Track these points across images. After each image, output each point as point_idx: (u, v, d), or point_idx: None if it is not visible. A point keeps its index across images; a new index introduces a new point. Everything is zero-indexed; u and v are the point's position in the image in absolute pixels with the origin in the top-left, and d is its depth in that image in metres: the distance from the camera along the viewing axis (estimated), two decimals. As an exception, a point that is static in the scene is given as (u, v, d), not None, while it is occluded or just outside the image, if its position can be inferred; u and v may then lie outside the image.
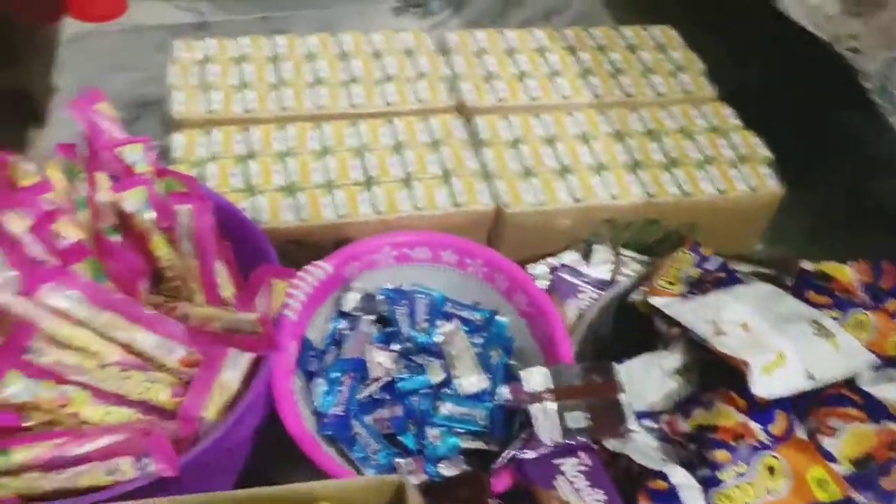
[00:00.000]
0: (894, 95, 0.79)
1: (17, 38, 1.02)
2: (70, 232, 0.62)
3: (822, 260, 0.81)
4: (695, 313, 0.74)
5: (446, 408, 0.75)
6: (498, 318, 0.83)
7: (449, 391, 0.77)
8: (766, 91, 1.08)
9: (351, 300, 0.82)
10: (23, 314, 0.56)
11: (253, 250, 0.72)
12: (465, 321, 0.82)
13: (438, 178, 0.88)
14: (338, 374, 0.76)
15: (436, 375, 0.78)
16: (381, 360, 0.78)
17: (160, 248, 0.66)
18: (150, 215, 0.66)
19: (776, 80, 1.08)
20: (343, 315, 0.82)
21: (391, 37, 1.05)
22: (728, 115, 1.01)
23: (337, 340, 0.81)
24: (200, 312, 0.63)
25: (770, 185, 0.92)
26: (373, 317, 0.81)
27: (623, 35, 1.11)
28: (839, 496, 0.63)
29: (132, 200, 0.66)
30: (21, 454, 0.55)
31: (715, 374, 0.72)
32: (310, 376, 0.76)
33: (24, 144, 1.03)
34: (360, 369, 0.77)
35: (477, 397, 0.77)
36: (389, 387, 0.77)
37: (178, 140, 0.88)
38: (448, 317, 0.83)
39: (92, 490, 0.54)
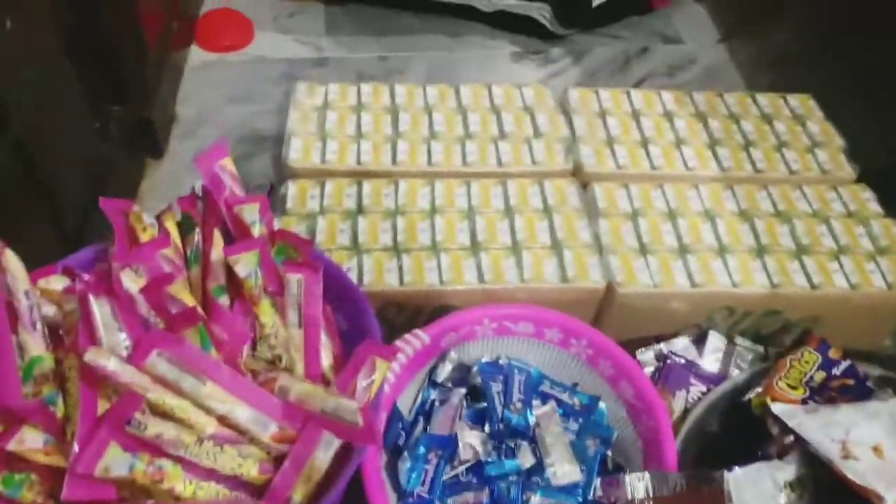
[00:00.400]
0: None
1: (148, 68, 1.05)
2: (184, 296, 0.63)
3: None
4: (821, 429, 0.68)
5: (536, 499, 0.72)
6: (600, 405, 0.79)
7: (540, 480, 0.74)
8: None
9: (445, 371, 0.80)
10: (129, 382, 0.56)
11: (355, 315, 0.71)
12: (561, 403, 0.79)
13: (548, 249, 0.85)
14: (424, 451, 0.74)
15: (526, 460, 0.75)
16: (472, 442, 0.75)
17: (266, 314, 0.66)
18: (260, 281, 0.66)
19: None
20: (434, 385, 0.80)
21: (511, 92, 1.03)
22: (868, 200, 0.93)
23: (427, 412, 0.79)
24: (300, 388, 0.62)
25: (909, 281, 0.84)
26: (465, 389, 0.79)
27: (757, 103, 1.04)
28: None
29: (244, 264, 0.65)
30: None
31: (833, 493, 0.66)
32: (397, 451, 0.75)
33: (142, 172, 1.06)
34: (447, 446, 0.75)
35: (568, 490, 0.73)
36: (477, 469, 0.75)
37: (292, 190, 0.88)
38: (545, 397, 0.79)
39: (180, 566, 0.54)
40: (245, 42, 1.31)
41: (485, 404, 0.78)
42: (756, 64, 1.30)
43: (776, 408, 0.72)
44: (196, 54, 1.28)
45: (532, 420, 0.77)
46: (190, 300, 0.63)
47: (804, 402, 0.73)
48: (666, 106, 1.02)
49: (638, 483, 0.66)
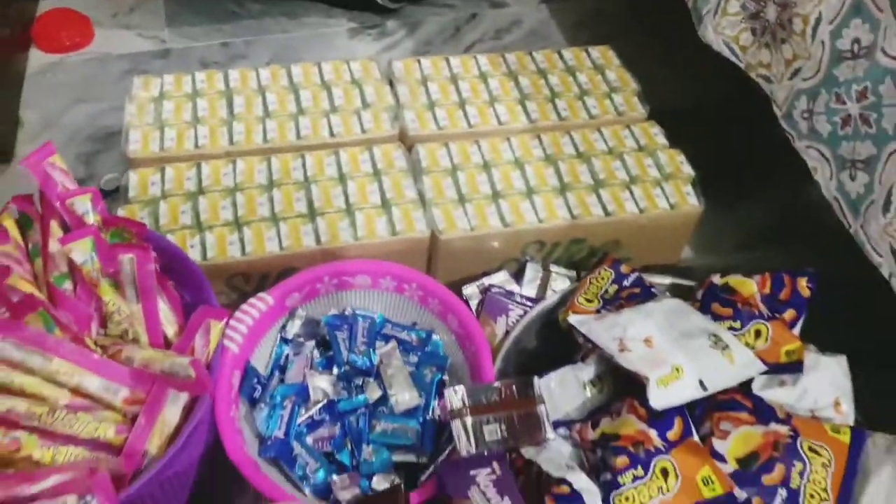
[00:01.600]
0: (797, 122, 0.84)
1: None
2: (22, 285, 0.69)
3: (748, 268, 0.87)
4: (605, 331, 0.80)
5: (381, 426, 0.82)
6: (434, 337, 0.90)
7: (384, 409, 0.84)
8: (699, 111, 1.13)
9: (294, 327, 0.88)
10: (-23, 366, 0.62)
11: (195, 288, 0.78)
12: (401, 342, 0.89)
13: (378, 208, 0.94)
14: (280, 400, 0.83)
15: (373, 394, 0.85)
16: (322, 385, 0.85)
17: (107, 293, 0.73)
18: (97, 265, 0.72)
19: (709, 100, 1.13)
20: (286, 341, 0.88)
21: (340, 67, 1.11)
22: (656, 134, 1.06)
23: (281, 366, 0.88)
24: (142, 355, 0.70)
25: (690, 202, 0.98)
26: (314, 341, 0.88)
27: (563, 57, 1.16)
28: (722, 492, 0.70)
29: (80, 251, 0.72)
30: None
31: (624, 383, 0.79)
32: (254, 402, 0.83)
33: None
34: (301, 394, 0.84)
35: (410, 413, 0.84)
36: (329, 408, 0.84)
37: (133, 179, 0.94)
38: (387, 338, 0.89)
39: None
40: (86, 41, 1.33)
41: (333, 353, 0.87)
42: (575, 23, 1.43)
43: (572, 319, 0.84)
44: (36, 57, 1.30)
45: (375, 359, 0.87)
46: (29, 289, 0.69)
47: (597, 311, 0.86)
48: (482, 68, 1.13)
49: (454, 395, 0.77)
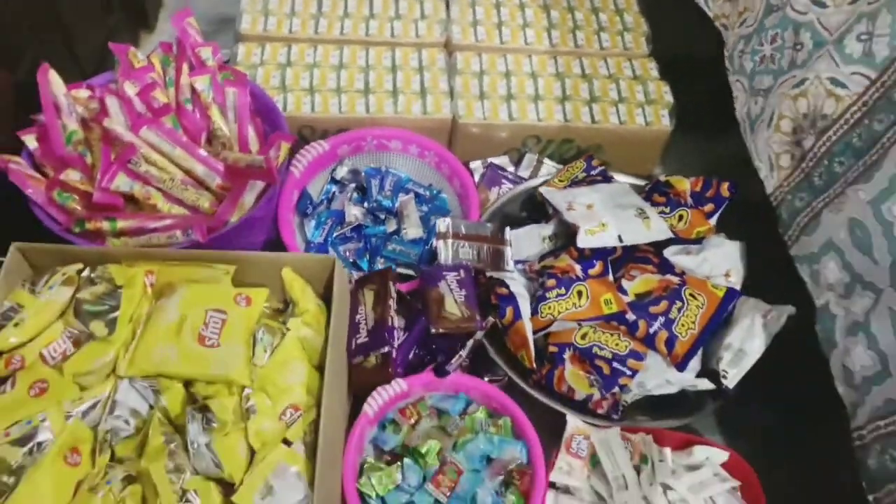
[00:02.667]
0: (734, 60, 1.07)
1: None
2: (162, 98, 1.02)
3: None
4: (562, 198, 1.08)
5: (392, 246, 1.13)
6: (442, 195, 1.19)
7: (397, 238, 1.15)
8: (690, 57, 1.35)
9: (341, 171, 1.19)
10: (128, 140, 0.96)
11: (275, 125, 1.10)
12: (418, 195, 1.19)
13: (416, 94, 1.23)
14: (324, 219, 1.15)
15: (391, 227, 1.16)
16: (355, 212, 1.16)
17: (215, 115, 1.05)
18: (210, 94, 1.05)
19: (702, 47, 1.34)
20: (334, 181, 1.20)
21: (407, -15, 1.39)
22: (652, 69, 1.31)
23: (329, 199, 1.19)
24: (233, 156, 1.02)
25: (663, 123, 1.23)
26: (355, 184, 1.19)
27: (591, -1, 1.41)
28: (617, 310, 0.97)
29: (201, 82, 1.04)
30: (121, 223, 0.96)
31: (570, 240, 1.07)
32: (305, 216, 1.15)
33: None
34: (339, 218, 1.16)
35: (415, 242, 1.14)
36: (357, 229, 1.15)
37: (241, 49, 1.26)
38: (407, 191, 1.19)
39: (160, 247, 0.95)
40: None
41: (367, 195, 1.18)
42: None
43: (543, 189, 1.12)
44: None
45: (397, 204, 1.17)
46: (165, 101, 1.02)
47: (564, 189, 1.13)
48: (521, -1, 1.39)
49: (442, 223, 1.06)
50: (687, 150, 1.30)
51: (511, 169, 1.24)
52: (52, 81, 1.00)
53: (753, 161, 0.98)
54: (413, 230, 1.14)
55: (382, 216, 1.17)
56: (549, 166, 1.24)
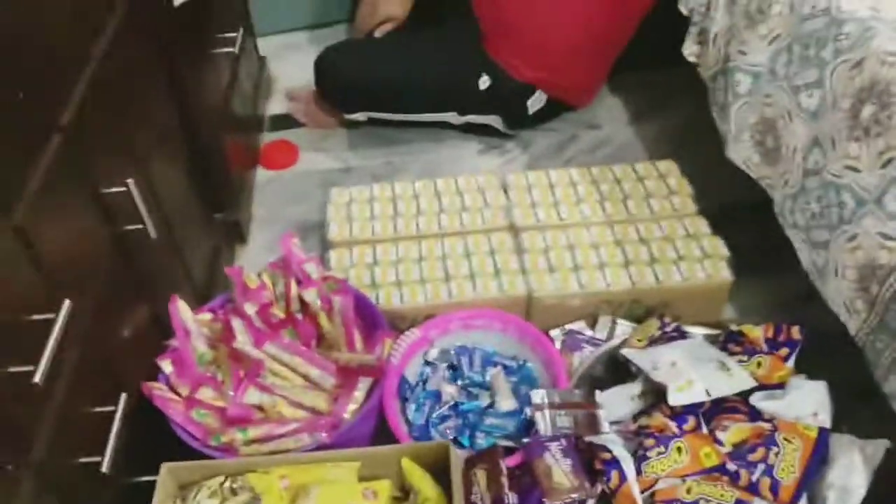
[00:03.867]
0: (788, 218, 1.18)
1: (232, 185, 1.61)
2: (278, 313, 1.16)
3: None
4: (645, 357, 1.16)
5: (489, 420, 1.21)
6: (528, 364, 1.29)
7: (492, 411, 1.23)
8: (736, 206, 1.47)
9: (433, 353, 1.30)
10: (256, 357, 1.09)
11: (374, 322, 1.23)
12: (506, 367, 1.28)
13: (491, 275, 1.36)
14: (422, 400, 1.25)
15: (484, 401, 1.24)
16: (451, 391, 1.25)
17: (324, 322, 1.18)
18: (318, 303, 1.18)
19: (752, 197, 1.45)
20: (427, 363, 1.30)
21: (470, 179, 1.56)
22: (702, 226, 1.42)
23: (424, 381, 1.29)
24: (344, 357, 1.14)
25: (722, 274, 1.33)
26: (446, 364, 1.29)
27: (635, 169, 1.56)
28: (717, 463, 1.03)
29: (309, 295, 1.19)
30: (252, 432, 1.07)
31: (659, 397, 1.14)
32: (405, 401, 1.25)
33: (234, 255, 1.61)
34: (436, 397, 1.25)
35: (510, 414, 1.22)
36: (455, 407, 1.24)
37: (333, 256, 1.42)
38: (495, 364, 1.29)
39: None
40: (293, 161, 1.88)
41: (458, 372, 1.28)
42: (655, 139, 1.82)
43: (625, 351, 1.20)
44: (261, 173, 1.85)
45: (488, 378, 1.26)
46: (282, 315, 1.16)
47: (644, 348, 1.21)
48: (573, 178, 1.54)
49: (537, 394, 1.15)
50: (750, 294, 1.39)
51: (588, 333, 1.33)
52: (181, 309, 1.15)
53: (831, 307, 1.06)
54: (506, 402, 1.23)
55: (475, 391, 1.26)
56: (623, 325, 1.33)
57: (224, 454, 1.06)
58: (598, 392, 1.18)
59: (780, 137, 1.20)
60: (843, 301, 1.05)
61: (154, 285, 1.21)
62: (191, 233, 1.38)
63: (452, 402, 1.24)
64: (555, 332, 1.34)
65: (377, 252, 1.42)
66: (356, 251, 1.43)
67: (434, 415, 1.23)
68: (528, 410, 1.21)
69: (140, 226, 1.00)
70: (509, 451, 1.16)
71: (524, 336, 1.29)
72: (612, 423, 1.15)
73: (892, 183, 0.94)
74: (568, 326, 1.34)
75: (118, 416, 0.91)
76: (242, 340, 1.10)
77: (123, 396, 0.94)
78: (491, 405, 1.24)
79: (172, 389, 1.13)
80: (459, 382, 1.26)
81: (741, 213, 1.46)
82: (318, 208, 1.68)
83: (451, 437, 1.21)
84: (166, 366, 1.14)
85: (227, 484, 0.99)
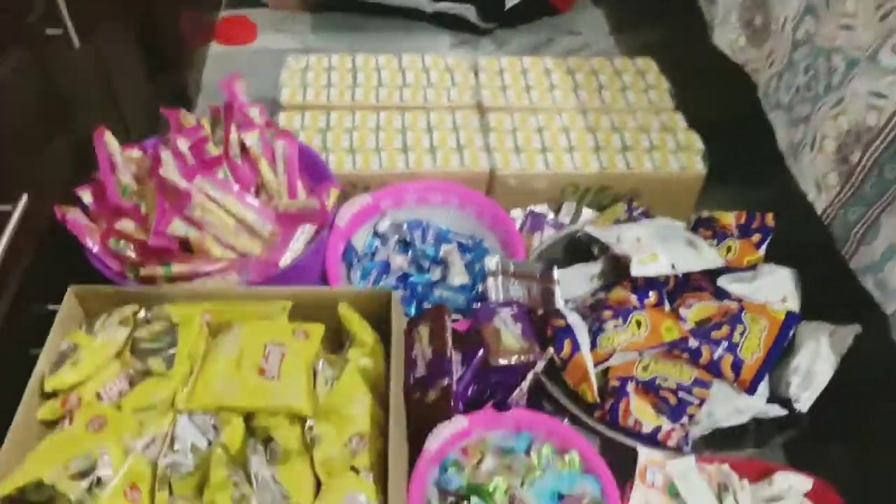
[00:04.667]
0: (771, 98, 1.11)
1: (182, 55, 1.48)
2: (213, 151, 1.05)
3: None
4: (609, 233, 1.08)
5: (439, 292, 1.12)
6: (484, 244, 1.20)
7: (443, 284, 1.14)
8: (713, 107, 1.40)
9: (384, 225, 1.21)
10: (183, 188, 0.97)
11: (320, 176, 1.12)
12: (461, 244, 1.19)
13: (454, 150, 1.27)
14: (370, 269, 1.15)
15: (435, 275, 1.15)
16: (400, 262, 1.16)
17: (264, 168, 1.07)
18: (259, 149, 1.07)
19: (724, 97, 1.38)
20: (377, 235, 1.20)
21: (438, 60, 1.46)
22: (679, 120, 1.35)
23: (373, 253, 1.19)
24: (284, 204, 1.03)
25: (697, 167, 1.25)
26: (397, 237, 1.20)
27: (613, 63, 1.47)
28: (678, 336, 0.95)
29: (249, 138, 1.07)
30: (176, 268, 0.96)
31: (619, 274, 1.06)
32: (350, 267, 1.15)
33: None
34: (384, 268, 1.15)
35: (461, 288, 1.13)
36: (403, 279, 1.15)
37: (283, 117, 1.30)
38: (450, 241, 1.20)
39: (214, 288, 0.95)
40: (251, 39, 1.75)
41: (410, 245, 1.19)
42: (637, 51, 1.73)
43: (588, 228, 1.12)
44: (216, 48, 1.72)
45: (441, 253, 1.17)
46: (217, 153, 1.05)
47: (608, 228, 1.13)
48: (547, 66, 1.45)
49: (491, 261, 1.06)
50: (723, 199, 1.31)
51: (552, 217, 1.25)
52: (108, 142, 1.03)
53: (800, 186, 0.99)
54: (459, 277, 1.14)
55: (427, 265, 1.17)
56: (588, 213, 1.25)
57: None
58: (555, 268, 1.10)
59: (769, 13, 1.12)
60: (814, 177, 0.98)
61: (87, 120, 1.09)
62: (131, 86, 1.26)
63: (401, 273, 1.15)
64: (515, 213, 1.25)
65: (331, 118, 1.32)
66: (308, 115, 1.32)
67: (380, 284, 1.14)
68: (480, 286, 1.13)
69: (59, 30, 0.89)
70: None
71: (483, 213, 1.20)
72: (566, 301, 1.07)
73: (889, 36, 0.87)
74: (531, 207, 1.26)
75: (14, 217, 0.79)
76: (170, 169, 0.99)
77: (24, 198, 0.82)
78: (442, 279, 1.15)
79: (93, 222, 1.02)
80: (410, 254, 1.17)
81: (719, 129, 1.39)
82: (271, 85, 1.55)
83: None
84: (86, 196, 1.02)
85: (141, 314, 0.89)
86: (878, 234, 0.86)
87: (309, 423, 0.81)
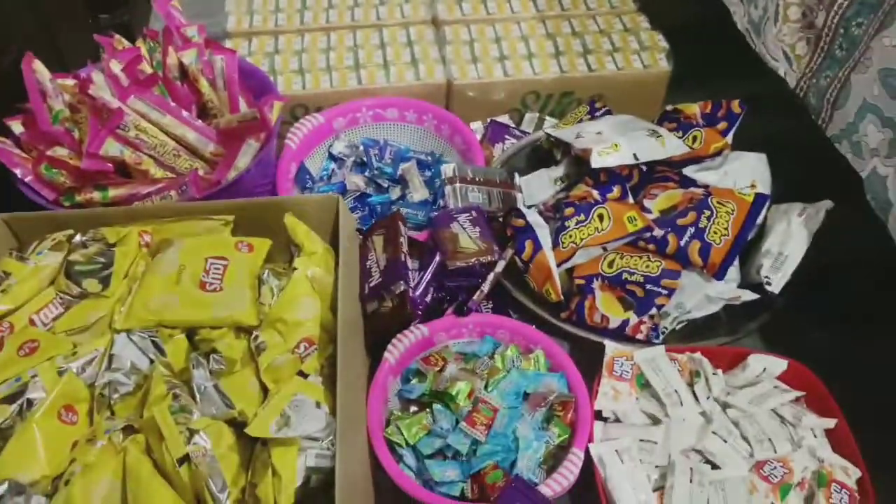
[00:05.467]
0: None
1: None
2: (147, 69, 0.99)
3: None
4: (571, 132, 1.04)
5: (399, 209, 1.07)
6: (444, 158, 1.15)
7: (403, 202, 1.10)
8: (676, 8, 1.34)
9: (338, 146, 1.16)
10: (115, 106, 0.93)
11: (262, 90, 1.07)
12: (419, 161, 1.15)
13: (408, 64, 1.21)
14: (324, 191, 1.10)
15: (395, 194, 1.11)
16: (357, 181, 1.11)
17: (204, 87, 1.02)
18: (199, 66, 1.02)
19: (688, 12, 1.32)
20: (333, 158, 1.16)
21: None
22: (642, 21, 1.29)
23: (328, 176, 1.15)
24: (226, 119, 0.99)
25: (661, 65, 1.20)
26: (353, 158, 1.15)
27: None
28: (642, 226, 0.91)
29: (188, 57, 1.02)
30: (112, 191, 0.92)
31: (579, 173, 1.02)
32: (303, 189, 1.11)
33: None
34: (341, 190, 1.11)
35: (421, 204, 1.09)
36: (361, 199, 1.10)
37: (229, 44, 1.25)
38: (408, 160, 1.15)
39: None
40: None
41: (367, 164, 1.14)
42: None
43: (549, 130, 1.08)
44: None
45: (399, 171, 1.12)
46: (152, 72, 1.00)
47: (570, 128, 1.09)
48: (504, -24, 1.39)
49: (448, 167, 1.02)
50: (691, 100, 1.26)
51: (512, 125, 1.20)
52: (38, 70, 0.98)
53: (768, 63, 0.94)
54: (419, 193, 1.10)
55: (385, 184, 1.12)
56: (551, 122, 1.20)
57: (80, 218, 0.91)
58: (517, 174, 1.05)
59: None
60: (782, 49, 0.93)
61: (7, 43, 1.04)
62: (72, 21, 1.21)
63: (359, 193, 1.10)
64: (476, 125, 1.20)
65: (279, 42, 1.26)
66: (255, 41, 1.26)
67: (338, 204, 1.09)
68: (441, 201, 1.08)
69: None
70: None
71: (441, 125, 1.15)
72: (530, 206, 1.03)
73: None
74: (492, 118, 1.21)
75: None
76: (101, 88, 0.94)
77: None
78: (402, 197, 1.10)
79: (26, 152, 0.97)
80: (367, 174, 1.12)
81: (684, 32, 1.32)
82: (219, 21, 1.49)
83: (356, 229, 1.07)
84: (16, 126, 0.97)
85: (76, 238, 0.85)
86: (850, 95, 0.82)
87: (255, 333, 0.77)
